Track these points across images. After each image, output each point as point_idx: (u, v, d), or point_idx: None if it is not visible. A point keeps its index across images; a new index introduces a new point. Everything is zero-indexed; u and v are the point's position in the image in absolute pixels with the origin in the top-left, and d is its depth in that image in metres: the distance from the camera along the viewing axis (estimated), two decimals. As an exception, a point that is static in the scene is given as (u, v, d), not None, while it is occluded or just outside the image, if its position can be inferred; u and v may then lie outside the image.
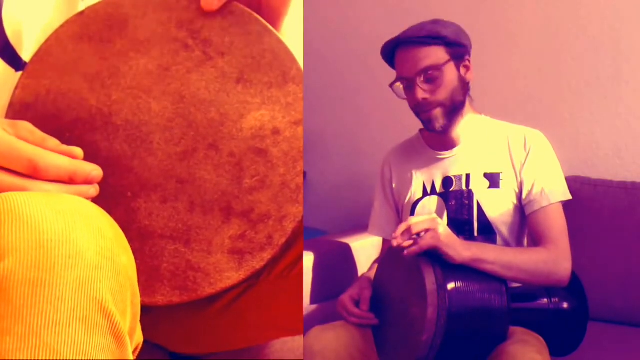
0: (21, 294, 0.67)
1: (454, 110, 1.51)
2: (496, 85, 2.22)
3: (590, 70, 2.06)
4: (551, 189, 1.48)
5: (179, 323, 1.20)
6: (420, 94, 1.49)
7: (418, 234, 1.32)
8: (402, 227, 1.32)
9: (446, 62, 1.48)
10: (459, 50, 1.50)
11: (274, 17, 1.04)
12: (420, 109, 1.52)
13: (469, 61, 1.53)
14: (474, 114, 1.58)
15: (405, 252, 1.31)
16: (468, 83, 1.54)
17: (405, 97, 1.54)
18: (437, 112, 1.51)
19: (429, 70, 1.48)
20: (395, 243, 1.31)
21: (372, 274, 1.58)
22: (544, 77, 2.14)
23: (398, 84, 1.54)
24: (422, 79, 1.48)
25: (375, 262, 1.70)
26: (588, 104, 2.07)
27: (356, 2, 2.55)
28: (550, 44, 2.12)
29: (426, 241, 1.30)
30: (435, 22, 1.52)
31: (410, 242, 1.31)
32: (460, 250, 1.33)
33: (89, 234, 0.72)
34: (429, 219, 1.33)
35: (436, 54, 1.48)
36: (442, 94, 1.49)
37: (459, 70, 1.51)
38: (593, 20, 2.04)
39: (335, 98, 2.62)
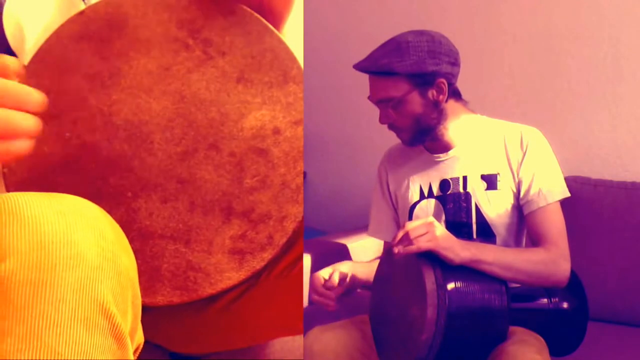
0: (22, 295, 0.67)
1: (421, 133, 1.51)
2: (495, 85, 2.22)
3: (590, 70, 2.06)
4: (549, 188, 1.47)
5: (179, 323, 1.20)
6: (383, 119, 1.50)
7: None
8: (400, 233, 1.32)
9: (407, 93, 1.46)
10: (425, 78, 1.46)
11: (276, 20, 1.04)
12: (389, 129, 1.54)
13: (444, 83, 1.47)
14: (469, 114, 1.57)
15: (403, 250, 1.30)
16: (440, 103, 1.49)
17: None
18: (403, 135, 1.53)
19: (385, 101, 1.47)
20: (396, 251, 1.31)
21: (361, 265, 1.57)
22: (543, 77, 2.14)
23: None
24: (383, 106, 1.49)
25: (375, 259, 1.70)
26: (588, 103, 2.07)
27: (356, 3, 2.55)
28: (550, 43, 2.12)
29: (424, 244, 1.30)
30: (397, 50, 1.45)
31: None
32: (459, 251, 1.33)
33: (90, 235, 0.72)
34: (425, 222, 1.33)
35: (394, 87, 1.46)
36: (405, 122, 1.49)
37: (425, 96, 1.47)
38: (593, 20, 2.04)
39: (335, 98, 2.62)
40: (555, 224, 1.46)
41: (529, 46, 2.16)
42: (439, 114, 1.50)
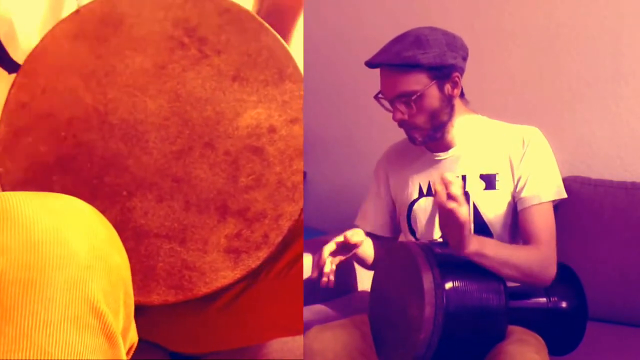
0: (12, 295, 0.67)
1: (434, 130, 1.50)
2: (496, 85, 2.21)
3: (590, 70, 2.05)
4: (544, 188, 1.48)
5: (179, 323, 1.20)
6: (398, 115, 1.48)
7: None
8: (446, 177, 1.25)
9: (426, 87, 1.45)
10: (443, 71, 1.46)
11: (288, 19, 1.04)
12: (400, 126, 1.52)
13: (458, 77, 1.49)
14: (470, 114, 1.57)
15: (447, 204, 1.24)
16: (454, 98, 1.50)
17: (389, 109, 1.52)
18: (415, 132, 1.51)
19: (405, 96, 1.46)
20: (439, 188, 1.25)
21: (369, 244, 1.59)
22: (543, 77, 2.14)
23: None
24: (399, 101, 1.47)
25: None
26: (588, 104, 2.06)
27: (356, 3, 2.54)
28: (550, 44, 2.12)
29: (465, 216, 1.25)
30: (418, 43, 1.45)
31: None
32: (470, 241, 1.31)
33: (82, 234, 0.72)
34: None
35: (415, 80, 1.45)
36: (420, 119, 1.48)
37: (443, 89, 1.48)
38: (593, 20, 2.03)
39: (336, 98, 2.62)
40: (545, 224, 1.46)
41: (529, 46, 2.16)
42: (451, 110, 1.50)
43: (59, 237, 0.70)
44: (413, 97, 1.45)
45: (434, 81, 1.46)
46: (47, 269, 0.68)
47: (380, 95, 1.52)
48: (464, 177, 1.52)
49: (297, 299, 1.22)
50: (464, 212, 1.25)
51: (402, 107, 1.47)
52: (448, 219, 1.27)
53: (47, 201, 0.73)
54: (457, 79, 1.48)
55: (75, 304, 0.69)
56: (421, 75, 1.45)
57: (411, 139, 1.53)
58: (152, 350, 1.21)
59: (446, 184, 1.25)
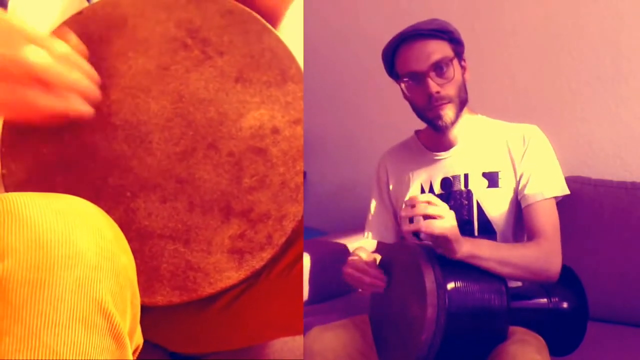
0: (20, 295, 0.67)
1: (461, 107, 1.51)
2: (496, 85, 2.22)
3: (590, 70, 2.06)
4: (546, 184, 1.48)
5: (179, 323, 1.20)
6: (434, 87, 1.46)
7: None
8: (423, 198, 1.28)
9: (453, 58, 1.48)
10: (459, 48, 1.50)
11: (271, 19, 1.04)
12: (431, 105, 1.48)
13: (465, 61, 1.53)
14: (470, 114, 1.57)
15: (425, 228, 1.26)
16: (466, 82, 1.53)
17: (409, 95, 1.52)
18: (448, 107, 1.48)
19: (440, 63, 1.46)
20: (404, 214, 1.29)
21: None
22: (543, 77, 2.14)
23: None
24: (434, 72, 1.47)
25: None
26: (588, 104, 2.07)
27: (356, 2, 2.55)
28: (550, 43, 2.12)
29: (442, 229, 1.26)
30: (437, 20, 1.50)
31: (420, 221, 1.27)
32: (462, 244, 1.32)
33: (89, 234, 0.72)
34: (446, 208, 1.29)
35: (445, 48, 1.48)
36: (452, 89, 1.48)
37: (461, 67, 1.51)
38: (593, 20, 2.04)
39: (335, 98, 2.62)
40: (548, 220, 1.46)
41: (529, 46, 2.16)
42: (467, 93, 1.53)
43: (66, 237, 0.70)
44: (447, 66, 1.47)
45: (455, 56, 1.49)
46: (55, 269, 0.68)
47: (405, 78, 1.51)
48: (466, 176, 1.53)
49: (297, 299, 1.22)
50: (441, 224, 1.26)
51: (436, 79, 1.47)
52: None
53: (52, 201, 0.73)
54: (464, 64, 1.52)
55: (83, 304, 0.69)
56: (447, 46, 1.49)
57: (438, 118, 1.50)
58: (152, 350, 1.21)
59: (410, 207, 1.27)
